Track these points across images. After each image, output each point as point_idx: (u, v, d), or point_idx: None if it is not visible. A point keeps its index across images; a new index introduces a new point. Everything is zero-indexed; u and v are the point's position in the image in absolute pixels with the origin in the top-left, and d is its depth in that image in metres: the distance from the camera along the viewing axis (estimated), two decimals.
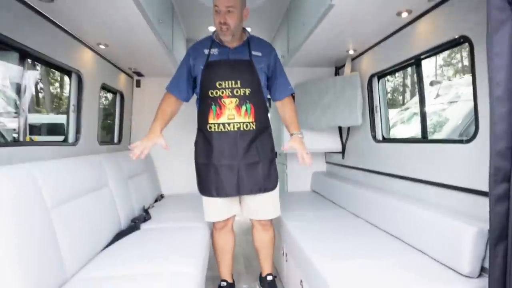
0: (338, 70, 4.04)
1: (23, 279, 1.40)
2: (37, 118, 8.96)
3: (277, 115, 3.33)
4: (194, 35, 4.63)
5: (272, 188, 2.43)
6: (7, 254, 1.37)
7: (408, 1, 2.21)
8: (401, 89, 18.33)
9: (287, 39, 3.79)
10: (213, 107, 2.31)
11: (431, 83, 6.58)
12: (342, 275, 1.77)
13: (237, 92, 2.29)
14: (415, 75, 2.68)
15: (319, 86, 3.70)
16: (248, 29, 2.51)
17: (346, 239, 2.32)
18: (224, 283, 2.64)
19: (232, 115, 2.30)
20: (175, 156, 4.09)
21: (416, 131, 4.85)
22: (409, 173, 2.60)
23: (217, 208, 2.47)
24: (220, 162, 2.32)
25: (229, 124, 2.30)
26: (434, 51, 2.38)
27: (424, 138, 2.56)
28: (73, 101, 2.86)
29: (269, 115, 2.57)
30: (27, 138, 2.54)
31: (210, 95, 2.31)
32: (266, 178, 2.39)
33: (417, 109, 5.10)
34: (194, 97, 2.54)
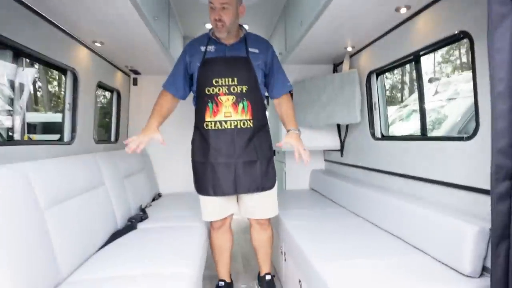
0: (336, 67, 4.01)
1: (12, 279, 1.37)
2: (35, 117, 8.94)
3: (275, 113, 3.31)
4: (191, 32, 4.60)
5: (270, 187, 2.40)
6: None
7: None
8: (399, 87, 18.33)
9: (285, 36, 3.77)
10: (209, 104, 2.28)
11: (430, 80, 6.56)
12: (341, 275, 1.75)
13: (233, 89, 2.26)
14: (413, 72, 2.66)
15: (317, 83, 3.67)
16: (246, 27, 2.48)
17: (346, 238, 2.30)
18: (222, 283, 2.62)
19: (229, 112, 2.27)
20: (173, 154, 4.07)
21: (415, 129, 4.83)
22: (408, 171, 2.57)
23: (215, 207, 2.44)
24: (217, 160, 2.29)
25: (226, 122, 2.27)
26: (433, 47, 2.35)
27: (423, 135, 2.53)
28: (68, 99, 2.82)
29: (267, 113, 2.54)
30: (25, 137, 2.51)
31: (207, 92, 2.28)
32: (264, 177, 2.36)
33: (415, 106, 5.09)
34: (191, 95, 2.51)
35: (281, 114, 2.51)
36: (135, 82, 4.25)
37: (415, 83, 2.74)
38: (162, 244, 2.28)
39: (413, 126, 5.47)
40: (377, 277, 1.71)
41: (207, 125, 2.30)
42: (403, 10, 2.35)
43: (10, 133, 2.37)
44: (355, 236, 2.35)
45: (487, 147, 1.37)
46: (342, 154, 3.84)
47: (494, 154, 1.29)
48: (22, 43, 2.09)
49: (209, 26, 2.48)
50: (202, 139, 2.34)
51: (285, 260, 2.74)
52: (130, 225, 2.64)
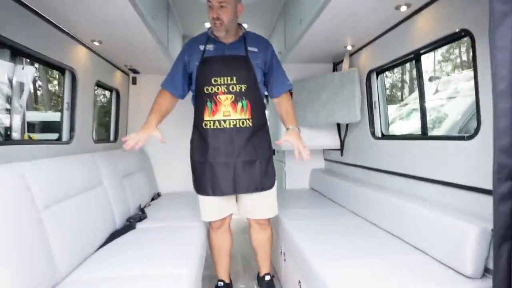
0: (336, 66, 3.99)
1: (9, 279, 1.36)
2: (35, 116, 8.92)
3: (274, 112, 3.29)
4: (190, 32, 4.58)
5: (270, 186, 2.39)
6: None
7: None
8: (399, 85, 18.30)
9: (284, 35, 3.75)
10: (208, 103, 2.26)
11: (430, 79, 6.53)
12: (341, 275, 1.73)
13: (232, 88, 2.25)
14: (413, 71, 2.64)
15: (317, 82, 3.65)
16: (245, 25, 2.47)
17: (345, 238, 2.28)
18: (221, 283, 2.61)
19: (227, 111, 2.25)
20: (172, 154, 4.04)
21: (415, 128, 4.81)
22: (409, 170, 2.55)
23: (214, 207, 2.43)
24: (216, 159, 2.27)
25: (224, 121, 2.25)
26: (434, 46, 2.33)
27: (424, 134, 2.52)
28: (67, 99, 2.81)
29: (266, 112, 2.52)
30: (25, 136, 2.50)
31: (206, 91, 2.26)
32: (263, 176, 2.34)
33: (416, 105, 5.06)
34: (190, 94, 2.49)
35: (281, 113, 2.48)
36: (134, 81, 4.23)
37: (415, 82, 2.73)
38: (161, 244, 2.26)
39: (413, 125, 5.45)
40: (377, 277, 1.69)
41: (206, 124, 2.28)
42: (403, 8, 2.33)
43: (8, 132, 2.36)
44: (355, 236, 2.34)
45: (489, 146, 1.36)
46: (342, 154, 3.82)
47: (496, 153, 1.27)
48: (20, 42, 2.07)
49: (208, 25, 2.47)
50: (201, 139, 2.32)
51: (284, 260, 2.72)
52: (129, 225, 2.62)
